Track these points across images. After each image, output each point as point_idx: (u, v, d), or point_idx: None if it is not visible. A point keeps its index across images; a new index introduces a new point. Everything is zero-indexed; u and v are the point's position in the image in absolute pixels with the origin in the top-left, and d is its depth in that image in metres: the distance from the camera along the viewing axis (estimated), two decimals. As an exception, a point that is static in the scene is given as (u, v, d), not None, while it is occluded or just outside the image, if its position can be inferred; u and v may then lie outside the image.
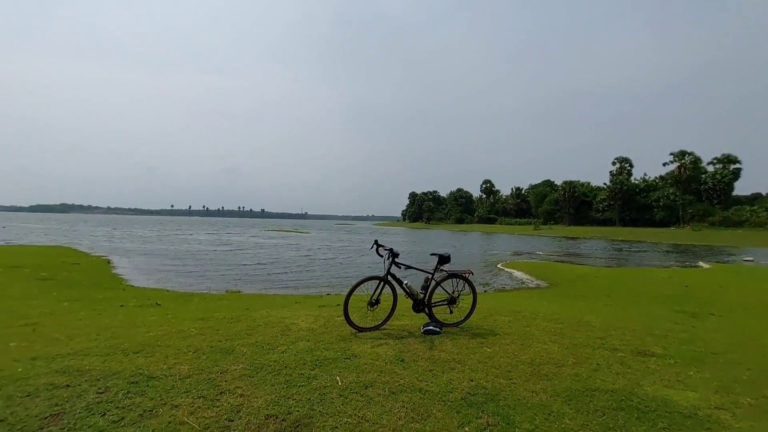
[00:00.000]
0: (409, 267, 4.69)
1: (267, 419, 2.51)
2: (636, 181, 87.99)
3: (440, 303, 4.75)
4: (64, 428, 2.30)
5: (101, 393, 2.75)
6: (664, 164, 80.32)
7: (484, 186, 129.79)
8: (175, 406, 2.60)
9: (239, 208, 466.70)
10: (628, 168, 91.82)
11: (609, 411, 2.82)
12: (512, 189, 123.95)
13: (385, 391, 2.99)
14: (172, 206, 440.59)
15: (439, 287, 4.74)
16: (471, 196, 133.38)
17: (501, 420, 2.65)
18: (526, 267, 17.06)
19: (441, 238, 53.39)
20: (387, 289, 4.60)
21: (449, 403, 2.84)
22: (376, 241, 4.59)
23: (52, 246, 22.17)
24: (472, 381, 3.23)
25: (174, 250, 24.16)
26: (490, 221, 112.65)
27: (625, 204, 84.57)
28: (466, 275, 4.77)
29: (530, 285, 12.78)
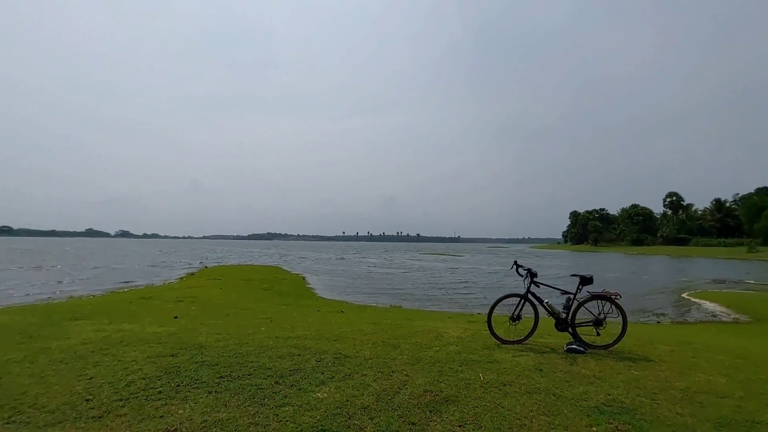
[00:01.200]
0: (547, 286, 5.01)
1: (424, 392, 3.39)
2: None
3: (585, 323, 4.87)
4: (303, 377, 3.68)
5: (318, 362, 4.14)
6: None
7: (668, 200, 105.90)
8: (364, 375, 3.76)
9: (397, 233, 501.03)
10: None
11: (771, 444, 2.70)
12: (712, 202, 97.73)
13: (520, 389, 3.52)
14: (343, 233, 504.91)
15: (585, 309, 4.89)
16: (650, 212, 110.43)
17: (633, 429, 2.87)
18: (722, 298, 13.75)
19: (611, 262, 46.21)
20: (528, 308, 5.03)
21: (581, 408, 3.19)
22: (515, 262, 5.12)
23: (267, 266, 28.97)
24: (609, 395, 3.44)
25: (349, 270, 28.31)
26: (680, 242, 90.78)
27: None
28: (613, 297, 4.77)
29: (724, 318, 10.44)
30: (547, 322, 5.35)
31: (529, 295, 4.96)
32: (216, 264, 29.84)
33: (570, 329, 4.87)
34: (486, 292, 17.31)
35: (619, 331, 4.85)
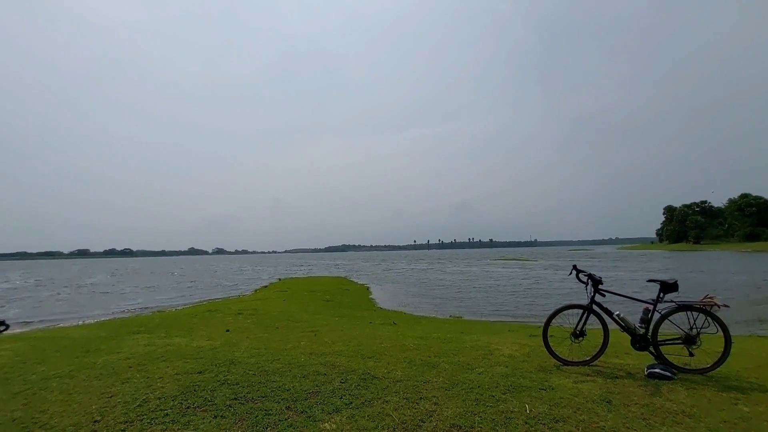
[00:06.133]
0: (616, 294, 4.08)
1: (452, 427, 2.83)
2: None
3: (671, 341, 3.86)
4: (318, 401, 3.32)
5: (342, 383, 3.77)
6: None
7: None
8: (386, 402, 3.29)
9: (469, 239, 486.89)
10: None
11: None
12: None
13: (578, 429, 2.78)
14: (414, 242, 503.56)
15: (671, 322, 3.88)
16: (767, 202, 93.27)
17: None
18: None
19: (724, 262, 39.18)
20: (594, 321, 4.15)
21: (661, 460, 2.39)
22: (574, 266, 4.27)
23: (335, 277, 29.64)
24: (704, 441, 2.56)
25: (413, 280, 27.76)
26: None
27: None
28: (708, 308, 3.70)
29: None
30: (622, 338, 4.39)
31: (594, 306, 4.09)
32: (289, 276, 31.30)
33: (652, 348, 3.90)
34: (558, 299, 15.59)
35: (721, 350, 3.75)
